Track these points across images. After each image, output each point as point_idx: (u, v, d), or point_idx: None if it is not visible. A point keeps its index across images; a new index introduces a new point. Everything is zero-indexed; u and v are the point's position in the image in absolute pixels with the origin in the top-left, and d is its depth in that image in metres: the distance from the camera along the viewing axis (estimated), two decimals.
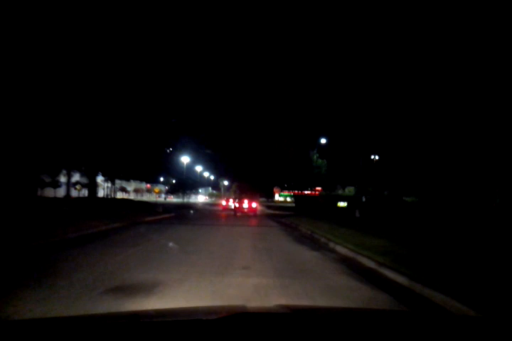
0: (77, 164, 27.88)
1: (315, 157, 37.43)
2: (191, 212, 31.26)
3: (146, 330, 1.34)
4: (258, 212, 30.93)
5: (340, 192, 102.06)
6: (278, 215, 28.15)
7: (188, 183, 35.94)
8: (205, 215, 27.15)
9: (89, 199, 28.00)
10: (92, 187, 29.34)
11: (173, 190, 44.12)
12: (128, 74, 23.27)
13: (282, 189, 43.77)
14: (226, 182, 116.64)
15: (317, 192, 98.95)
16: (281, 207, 39.98)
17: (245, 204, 30.31)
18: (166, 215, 23.22)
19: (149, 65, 24.88)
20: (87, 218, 14.85)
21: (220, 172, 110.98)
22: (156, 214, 22.68)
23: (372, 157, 36.34)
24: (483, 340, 1.42)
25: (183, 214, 26.87)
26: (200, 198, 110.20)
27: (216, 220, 21.79)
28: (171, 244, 9.80)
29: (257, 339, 1.29)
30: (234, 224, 18.95)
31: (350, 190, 66.01)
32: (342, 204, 31.17)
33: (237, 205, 29.92)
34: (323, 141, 34.62)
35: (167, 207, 33.21)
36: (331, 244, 10.28)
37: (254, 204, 30.37)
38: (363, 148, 28.98)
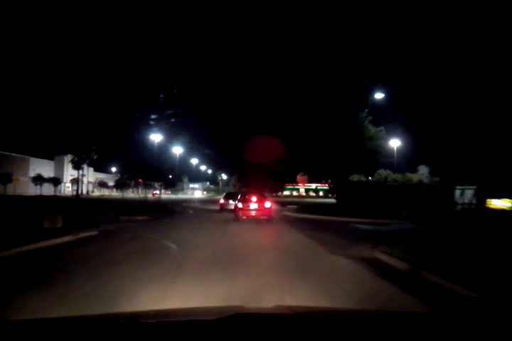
0: None
1: (366, 122, 20.74)
2: (153, 219, 16.66)
3: (146, 331, 1.29)
4: (274, 216, 16.56)
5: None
6: (345, 232, 13.71)
7: (150, 169, 21.26)
8: (172, 232, 12.55)
9: None
10: None
11: (130, 180, 29.20)
12: None
13: (319, 176, 28.83)
14: (225, 176, 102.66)
15: (326, 185, 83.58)
16: (310, 206, 24.88)
17: (253, 203, 16.01)
18: (61, 239, 8.70)
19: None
20: None
21: (218, 165, 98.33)
22: (34, 237, 8.14)
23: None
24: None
25: (124, 228, 12.28)
26: (197, 193, 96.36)
27: (174, 276, 7.14)
28: None
29: (255, 340, 1.25)
30: None
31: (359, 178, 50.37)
32: (498, 203, 16.31)
33: (240, 205, 15.62)
34: (378, 96, 20.02)
35: (121, 210, 18.68)
36: None
37: (267, 204, 16.03)
38: None
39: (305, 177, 20.72)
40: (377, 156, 20.95)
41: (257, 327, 1.31)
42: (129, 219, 15.43)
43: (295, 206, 23.83)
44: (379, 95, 19.49)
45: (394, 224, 14.80)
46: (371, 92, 19.47)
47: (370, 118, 20.43)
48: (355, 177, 34.39)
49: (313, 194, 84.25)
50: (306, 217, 17.66)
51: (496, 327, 1.52)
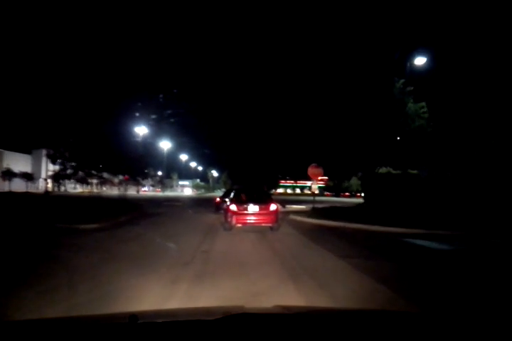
0: None
1: (405, 95, 14.98)
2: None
3: (145, 331, 1.24)
4: (280, 222, 11.40)
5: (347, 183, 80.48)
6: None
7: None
8: (111, 263, 7.25)
9: None
10: None
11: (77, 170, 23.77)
12: None
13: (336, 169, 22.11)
14: (215, 173, 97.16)
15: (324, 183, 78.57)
16: (326, 207, 18.81)
17: (252, 205, 10.66)
18: None
19: None
20: None
21: (208, 161, 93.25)
22: None
23: None
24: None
25: (31, 251, 7.02)
26: (187, 191, 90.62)
27: None
28: None
29: (255, 340, 1.22)
30: None
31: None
32: None
33: (233, 207, 10.52)
34: (418, 61, 14.73)
35: (69, 213, 13.42)
36: None
37: (273, 206, 10.63)
38: None
39: (319, 170, 15.56)
40: (423, 141, 15.40)
41: (257, 327, 1.27)
42: (68, 228, 10.17)
43: (300, 206, 18.65)
44: (420, 60, 14.31)
45: (463, 238, 9.78)
46: (409, 58, 14.29)
47: (411, 88, 15.11)
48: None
49: (308, 191, 79.45)
50: (326, 224, 12.42)
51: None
